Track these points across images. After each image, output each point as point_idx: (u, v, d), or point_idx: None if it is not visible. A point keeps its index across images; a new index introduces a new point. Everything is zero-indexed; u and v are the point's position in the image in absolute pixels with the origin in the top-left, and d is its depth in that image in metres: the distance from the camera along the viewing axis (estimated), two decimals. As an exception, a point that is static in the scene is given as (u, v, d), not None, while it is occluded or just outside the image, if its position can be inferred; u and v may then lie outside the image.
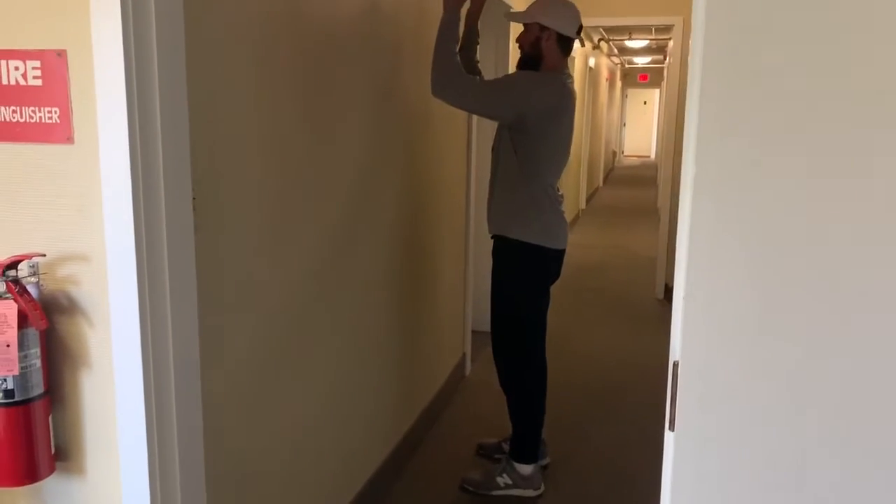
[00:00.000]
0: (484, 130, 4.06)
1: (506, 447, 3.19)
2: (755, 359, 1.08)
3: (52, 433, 1.44)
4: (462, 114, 3.81)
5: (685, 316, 1.10)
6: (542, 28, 2.86)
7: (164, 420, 1.42)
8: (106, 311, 1.39)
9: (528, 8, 2.99)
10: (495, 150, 2.99)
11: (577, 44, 3.07)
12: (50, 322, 1.41)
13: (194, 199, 1.49)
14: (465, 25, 3.10)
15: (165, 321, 1.40)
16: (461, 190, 4.05)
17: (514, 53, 3.05)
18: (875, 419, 1.05)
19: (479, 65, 3.22)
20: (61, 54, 1.34)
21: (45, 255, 1.40)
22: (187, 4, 1.41)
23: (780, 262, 1.05)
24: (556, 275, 3.07)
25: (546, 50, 2.88)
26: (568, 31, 2.89)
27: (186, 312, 1.46)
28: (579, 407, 3.82)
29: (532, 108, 2.79)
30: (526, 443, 3.06)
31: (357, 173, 2.51)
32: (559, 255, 3.01)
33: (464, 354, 4.21)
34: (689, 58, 1.10)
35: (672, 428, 1.14)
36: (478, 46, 3.19)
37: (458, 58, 2.78)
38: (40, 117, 1.36)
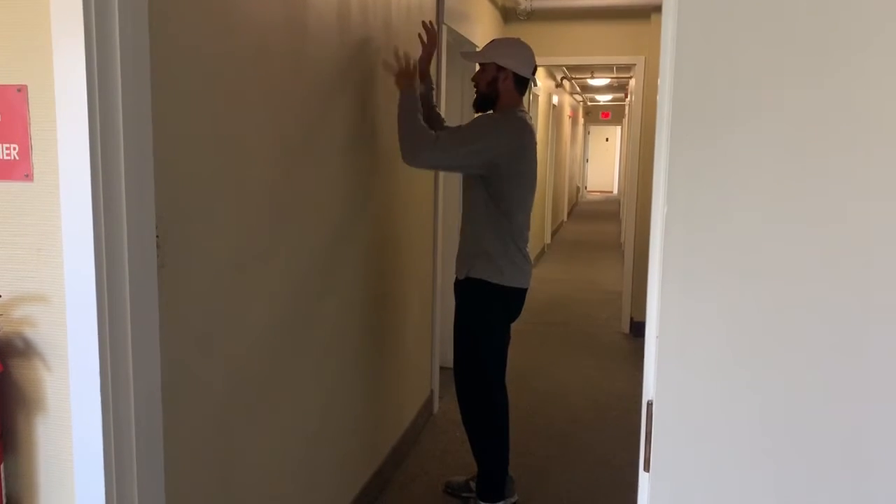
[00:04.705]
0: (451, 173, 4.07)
1: (473, 486, 3.15)
2: (731, 398, 1.07)
3: (3, 482, 1.37)
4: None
5: (659, 355, 1.09)
6: (500, 68, 2.90)
7: (123, 468, 1.37)
8: (64, 353, 1.34)
9: (484, 48, 3.02)
10: (465, 191, 3.00)
11: (531, 83, 3.12)
12: (4, 365, 1.35)
13: (158, 237, 1.46)
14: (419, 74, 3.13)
15: (126, 364, 1.35)
16: (429, 228, 4.05)
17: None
18: (856, 462, 1.04)
19: (437, 108, 3.25)
20: (21, 90, 1.31)
21: (0, 296, 1.35)
22: (154, 41, 1.39)
23: (754, 299, 1.05)
24: (517, 313, 3.08)
25: (503, 89, 2.91)
26: (524, 72, 2.93)
27: (148, 355, 1.41)
28: (546, 446, 3.78)
29: (502, 151, 2.81)
30: (492, 481, 3.02)
31: (327, 214, 2.48)
32: (521, 293, 3.02)
33: (431, 391, 4.16)
34: (659, 94, 1.11)
35: (647, 469, 1.12)
36: (433, 92, 3.22)
37: (422, 123, 2.80)
38: (-2, 154, 1.33)
